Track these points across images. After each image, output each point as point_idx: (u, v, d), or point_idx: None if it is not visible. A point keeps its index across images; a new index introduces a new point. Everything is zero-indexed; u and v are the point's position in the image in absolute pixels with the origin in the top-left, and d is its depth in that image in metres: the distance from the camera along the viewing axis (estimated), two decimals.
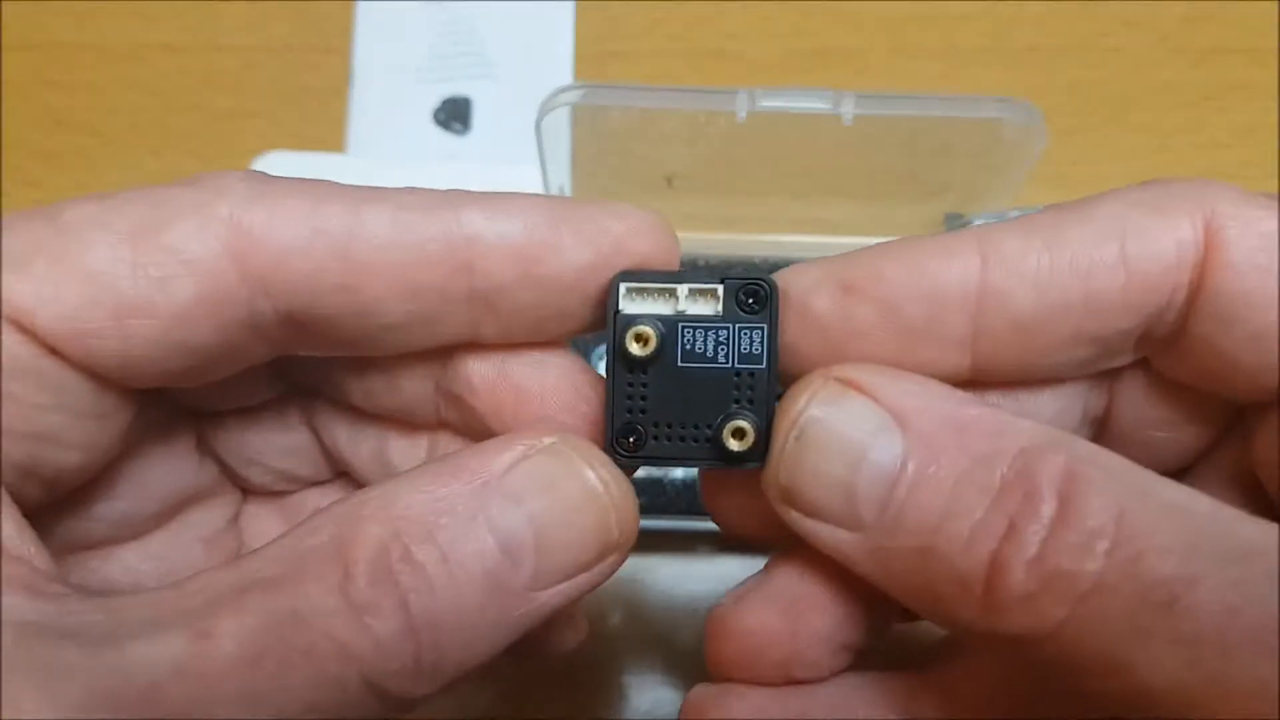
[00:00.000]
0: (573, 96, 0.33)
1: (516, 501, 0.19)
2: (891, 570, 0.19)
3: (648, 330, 0.20)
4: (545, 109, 0.33)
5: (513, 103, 0.45)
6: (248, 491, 0.26)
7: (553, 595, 0.19)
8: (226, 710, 0.17)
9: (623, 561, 0.21)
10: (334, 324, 0.20)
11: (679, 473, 0.36)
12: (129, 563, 0.24)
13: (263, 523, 0.26)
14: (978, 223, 0.38)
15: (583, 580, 0.20)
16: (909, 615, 0.23)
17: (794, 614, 0.22)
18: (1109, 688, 0.17)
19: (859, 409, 0.19)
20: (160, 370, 0.19)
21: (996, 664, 0.22)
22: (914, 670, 0.23)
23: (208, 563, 0.21)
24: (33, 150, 0.45)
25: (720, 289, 0.20)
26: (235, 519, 0.26)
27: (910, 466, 0.19)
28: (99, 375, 0.19)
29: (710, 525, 0.36)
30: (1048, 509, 0.17)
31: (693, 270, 0.21)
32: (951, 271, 0.20)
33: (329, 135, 0.45)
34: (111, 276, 0.18)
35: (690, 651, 0.36)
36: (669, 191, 0.39)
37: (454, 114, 0.45)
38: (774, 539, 0.23)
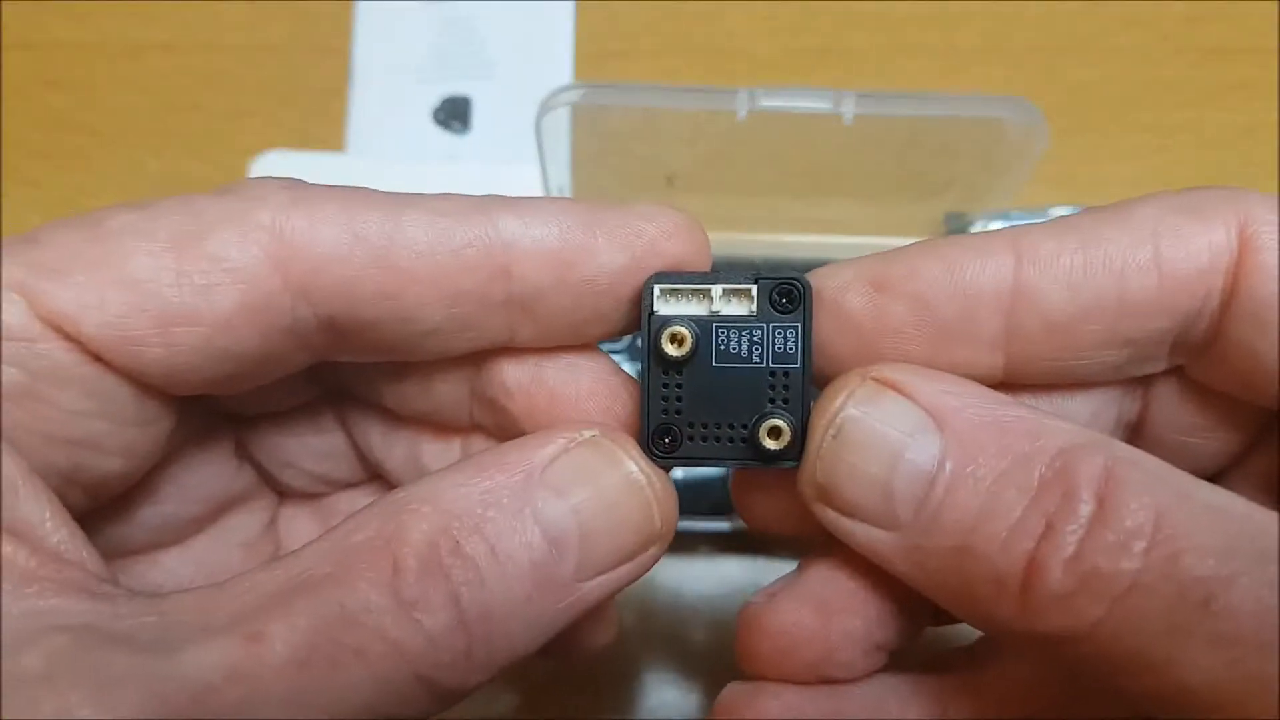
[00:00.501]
0: (573, 96, 0.33)
1: (560, 494, 0.19)
2: (927, 570, 0.19)
3: (683, 331, 0.20)
4: (545, 109, 0.33)
5: (512, 102, 0.45)
6: (283, 495, 0.26)
7: (596, 586, 0.20)
8: (278, 712, 0.17)
9: (663, 553, 0.21)
10: (374, 330, 0.20)
11: (679, 473, 0.36)
12: (171, 567, 0.24)
13: (299, 525, 0.26)
14: (979, 223, 0.38)
15: (624, 571, 0.20)
16: (942, 618, 0.23)
17: (827, 613, 0.22)
18: (1145, 687, 0.17)
19: (897, 408, 0.19)
20: (204, 377, 0.20)
21: (1030, 666, 0.23)
22: (948, 672, 0.23)
23: (247, 566, 0.21)
24: (32, 150, 0.45)
25: (754, 289, 0.20)
26: (272, 522, 0.26)
27: (948, 466, 0.19)
28: (142, 382, 0.19)
29: (710, 526, 0.36)
30: (1086, 509, 0.17)
31: (725, 271, 0.21)
32: (985, 270, 0.20)
33: (329, 135, 0.45)
34: (155, 285, 0.18)
35: (699, 651, 0.36)
36: (669, 191, 0.39)
37: (454, 113, 0.45)
38: (804, 538, 0.23)
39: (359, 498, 0.26)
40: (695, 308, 0.21)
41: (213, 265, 0.19)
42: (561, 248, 0.20)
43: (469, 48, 0.46)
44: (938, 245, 0.21)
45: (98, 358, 0.19)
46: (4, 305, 0.18)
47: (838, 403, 0.20)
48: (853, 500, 0.20)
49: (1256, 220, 0.19)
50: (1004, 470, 0.18)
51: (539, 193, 0.37)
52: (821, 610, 0.22)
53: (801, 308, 0.20)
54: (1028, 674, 0.23)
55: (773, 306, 0.20)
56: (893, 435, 0.19)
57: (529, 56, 0.46)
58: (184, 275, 0.18)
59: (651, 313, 0.20)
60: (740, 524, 0.36)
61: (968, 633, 0.22)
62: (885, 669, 0.23)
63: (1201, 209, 0.20)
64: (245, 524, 0.25)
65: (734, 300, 0.21)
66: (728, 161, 0.38)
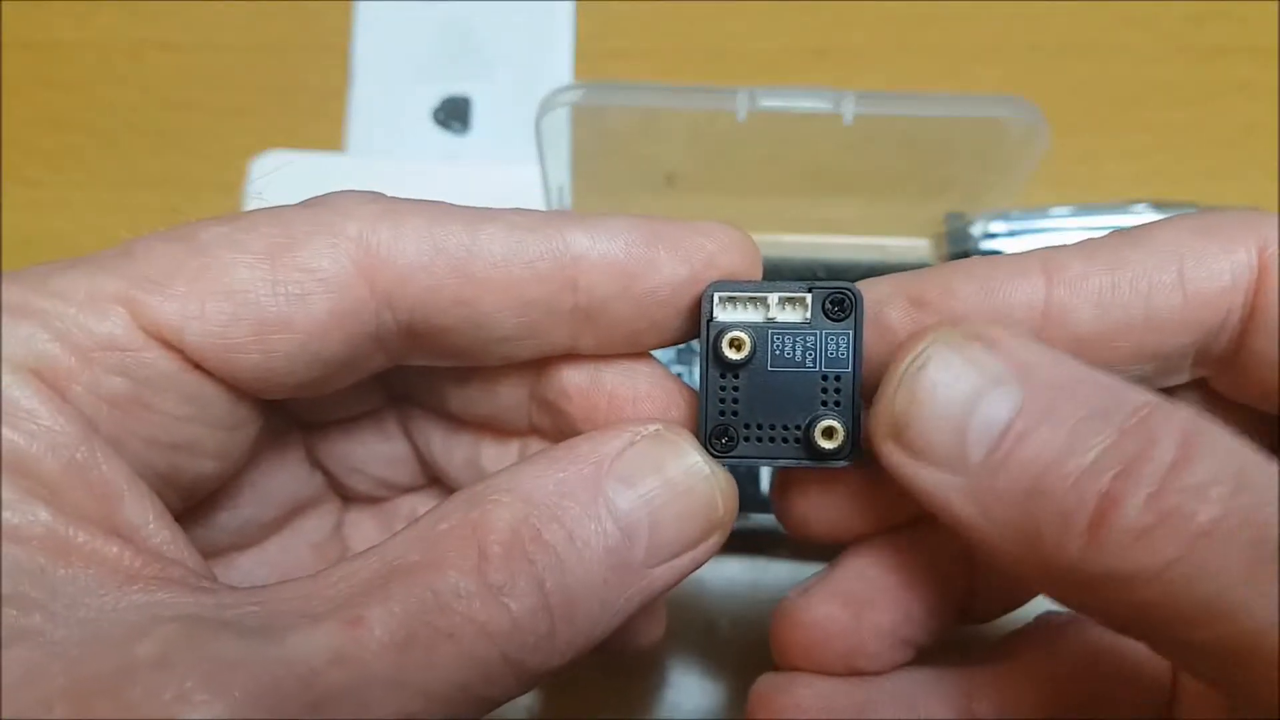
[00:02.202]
0: (573, 96, 0.33)
1: (629, 483, 0.20)
2: (991, 515, 0.19)
3: (743, 336, 0.21)
4: (545, 109, 0.33)
5: (512, 102, 0.45)
6: (348, 499, 0.27)
7: (663, 572, 0.21)
8: (378, 694, 0.17)
9: (723, 540, 0.22)
10: (449, 335, 0.21)
11: None
12: (247, 569, 0.25)
13: (364, 528, 0.27)
14: (979, 223, 0.38)
15: (689, 558, 0.21)
16: (968, 617, 0.24)
17: (857, 607, 0.23)
18: (1205, 637, 0.17)
19: (982, 356, 0.20)
20: (294, 381, 0.21)
21: (1054, 662, 0.24)
22: (973, 666, 0.24)
23: (317, 567, 0.22)
24: (31, 149, 0.45)
25: (809, 298, 0.21)
26: (339, 526, 0.27)
27: (1025, 415, 0.19)
28: (236, 387, 0.20)
29: None
30: (1167, 454, 0.18)
31: (779, 280, 0.22)
32: (1018, 289, 0.21)
33: (328, 134, 0.45)
34: (253, 294, 0.19)
35: (698, 649, 0.36)
36: (669, 191, 0.39)
37: (453, 113, 0.45)
38: (839, 540, 0.24)
39: (420, 501, 0.27)
40: (752, 315, 0.22)
41: (306, 275, 0.20)
42: (626, 261, 0.21)
43: (469, 48, 0.46)
44: (972, 264, 0.22)
45: (197, 365, 0.20)
46: (108, 317, 0.19)
47: (925, 342, 0.20)
48: (924, 438, 0.20)
49: (1275, 242, 0.20)
50: (1082, 418, 0.18)
51: (538, 192, 0.37)
52: (852, 604, 0.23)
53: (853, 316, 0.21)
54: (1052, 670, 0.24)
55: (825, 314, 0.21)
56: (975, 379, 0.19)
57: (529, 56, 0.46)
58: (279, 285, 0.19)
59: (711, 319, 0.21)
60: (741, 524, 0.36)
61: (993, 630, 0.23)
62: (913, 663, 0.24)
63: (1223, 232, 0.21)
64: (315, 527, 0.27)
65: (789, 308, 0.22)
66: (728, 161, 0.38)
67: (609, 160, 0.38)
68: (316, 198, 0.21)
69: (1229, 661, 0.17)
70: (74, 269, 0.19)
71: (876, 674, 0.24)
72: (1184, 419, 0.18)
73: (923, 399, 0.20)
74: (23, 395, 0.18)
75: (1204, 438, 0.18)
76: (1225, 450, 0.18)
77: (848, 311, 0.21)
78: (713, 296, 0.21)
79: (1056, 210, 0.38)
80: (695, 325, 0.22)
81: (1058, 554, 0.18)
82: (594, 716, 0.35)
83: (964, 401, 0.19)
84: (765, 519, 0.36)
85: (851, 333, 0.21)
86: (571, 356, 0.23)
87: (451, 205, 0.21)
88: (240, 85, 0.45)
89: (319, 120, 0.45)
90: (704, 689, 0.36)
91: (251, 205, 0.21)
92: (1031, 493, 0.19)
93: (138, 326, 0.19)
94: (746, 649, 0.36)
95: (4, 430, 0.18)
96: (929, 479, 0.20)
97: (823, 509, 0.24)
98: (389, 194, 0.21)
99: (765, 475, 0.35)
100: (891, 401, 0.20)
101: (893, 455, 0.20)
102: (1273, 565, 0.17)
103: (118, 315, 0.19)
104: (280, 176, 0.43)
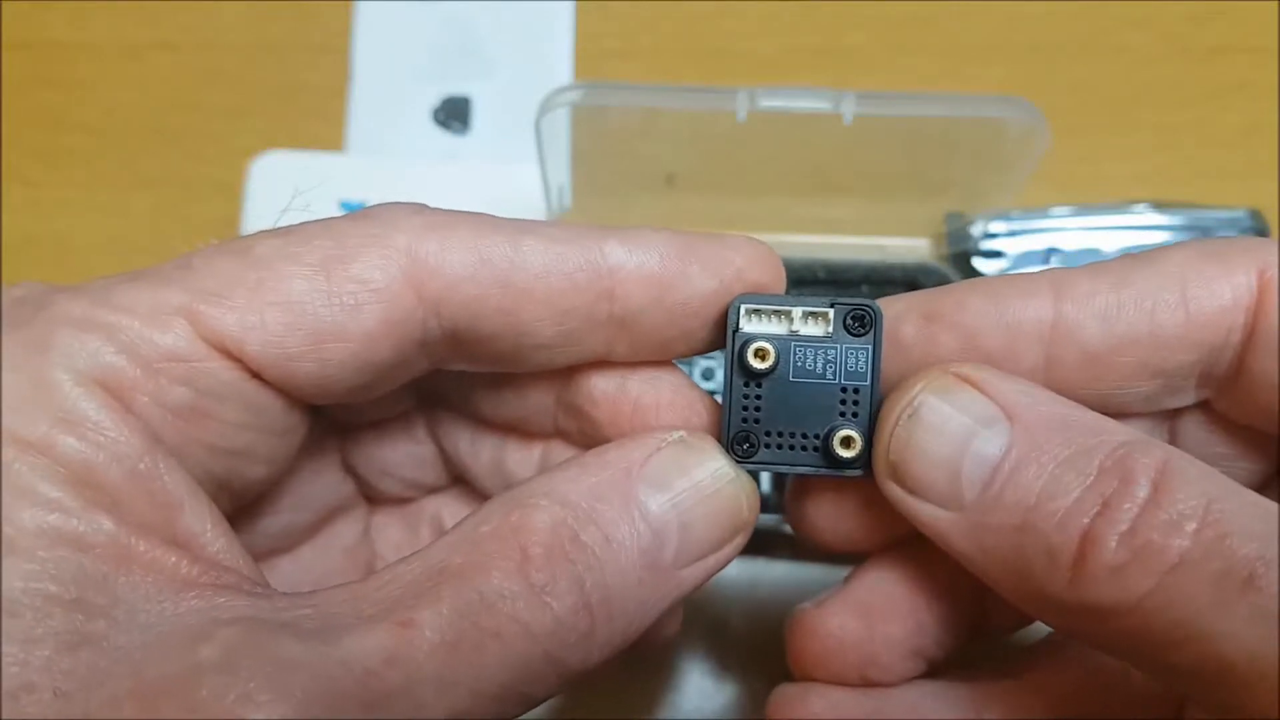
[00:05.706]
0: (573, 96, 0.33)
1: (659, 487, 0.21)
2: (985, 548, 0.20)
3: (768, 347, 0.22)
4: (545, 109, 0.33)
5: (512, 102, 0.45)
6: (374, 502, 0.28)
7: (692, 572, 0.21)
8: (430, 693, 0.18)
9: (746, 541, 0.23)
10: (491, 342, 0.22)
11: None
12: (285, 573, 0.26)
13: (389, 532, 0.28)
14: (979, 223, 0.38)
15: (714, 559, 0.22)
16: (981, 631, 0.25)
17: (871, 619, 0.24)
18: (1185, 660, 0.18)
19: (972, 400, 0.21)
20: (345, 387, 0.21)
21: (1064, 675, 0.24)
22: (984, 679, 0.25)
23: (347, 571, 0.23)
24: (30, 150, 0.45)
25: (831, 312, 0.22)
26: (367, 529, 0.28)
27: (1014, 453, 0.20)
28: (291, 395, 0.21)
29: None
30: (1142, 491, 0.19)
31: (803, 294, 0.23)
32: (1028, 305, 0.22)
33: (328, 134, 0.45)
34: (310, 305, 0.20)
35: (698, 648, 0.36)
36: (669, 191, 0.39)
37: (453, 113, 0.45)
38: (851, 549, 0.25)
39: (444, 502, 0.28)
40: (776, 327, 0.22)
41: (359, 286, 0.20)
42: (661, 273, 0.22)
43: (469, 48, 0.46)
44: (984, 282, 0.23)
45: (255, 374, 0.20)
46: (171, 330, 0.20)
47: (916, 389, 0.21)
48: (921, 479, 0.21)
49: (1274, 266, 0.21)
50: (1067, 458, 0.20)
51: (538, 192, 0.37)
52: (866, 616, 0.24)
53: (873, 331, 0.22)
54: (1062, 684, 0.24)
55: (846, 329, 0.22)
56: (966, 422, 0.21)
57: (529, 56, 0.46)
58: (334, 295, 0.20)
59: (737, 329, 0.22)
60: None
61: (1005, 644, 0.24)
62: (925, 675, 0.25)
63: (1226, 255, 0.22)
64: (346, 531, 0.27)
65: (811, 321, 0.22)
66: (728, 161, 0.38)
67: (609, 160, 0.38)
68: (365, 209, 0.21)
69: (1209, 682, 0.18)
70: (136, 282, 0.20)
71: (889, 685, 0.24)
72: (1159, 456, 0.19)
73: (917, 445, 0.21)
74: (89, 407, 0.18)
75: (1177, 474, 0.19)
76: (1196, 484, 0.19)
77: (868, 327, 0.22)
78: (739, 308, 0.22)
79: (1056, 210, 0.38)
80: (722, 335, 0.22)
81: (1046, 587, 0.19)
82: (601, 715, 0.35)
83: (957, 443, 0.21)
84: (765, 519, 0.36)
85: (871, 347, 0.22)
86: (599, 364, 0.23)
87: (494, 217, 0.22)
88: (240, 85, 0.45)
89: (319, 120, 0.45)
90: (709, 690, 0.36)
91: (297, 216, 0.22)
92: (1021, 529, 0.20)
93: (199, 338, 0.20)
94: (752, 650, 0.36)
95: (71, 441, 0.18)
96: (927, 514, 0.21)
97: (837, 518, 0.24)
98: (421, 201, 0.22)
99: (765, 475, 0.35)
100: (887, 448, 0.21)
101: (894, 492, 0.22)
102: (1239, 591, 0.17)
103: (180, 327, 0.19)
104: (279, 176, 0.43)
